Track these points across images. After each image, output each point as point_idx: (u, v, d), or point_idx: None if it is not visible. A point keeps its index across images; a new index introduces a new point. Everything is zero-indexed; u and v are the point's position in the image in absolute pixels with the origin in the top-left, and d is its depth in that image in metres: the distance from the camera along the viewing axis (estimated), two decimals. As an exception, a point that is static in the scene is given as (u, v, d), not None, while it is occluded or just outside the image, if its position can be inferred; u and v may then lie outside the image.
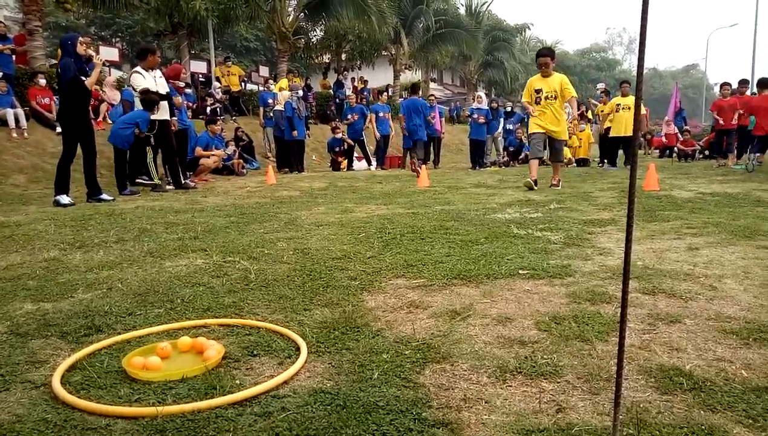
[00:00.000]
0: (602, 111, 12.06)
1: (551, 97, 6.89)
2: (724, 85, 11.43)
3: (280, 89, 13.43)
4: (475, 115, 12.81)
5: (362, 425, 1.32)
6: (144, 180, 7.35)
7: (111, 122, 9.50)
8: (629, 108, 10.82)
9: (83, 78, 6.00)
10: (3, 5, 24.76)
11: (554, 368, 1.64)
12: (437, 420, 1.35)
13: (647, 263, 2.86)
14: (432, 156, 13.56)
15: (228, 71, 15.60)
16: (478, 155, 12.84)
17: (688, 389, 1.49)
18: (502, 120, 13.85)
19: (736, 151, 10.75)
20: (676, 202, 5.26)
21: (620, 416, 1.33)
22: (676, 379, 1.55)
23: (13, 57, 10.79)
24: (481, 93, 14.35)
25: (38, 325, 2.08)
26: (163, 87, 7.51)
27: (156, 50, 7.74)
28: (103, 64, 6.37)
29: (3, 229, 4.38)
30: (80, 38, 6.16)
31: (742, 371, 1.60)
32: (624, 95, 11.15)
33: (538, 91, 6.99)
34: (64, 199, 6.03)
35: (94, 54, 6.31)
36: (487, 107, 13.21)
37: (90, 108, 10.30)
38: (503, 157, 13.69)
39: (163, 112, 7.49)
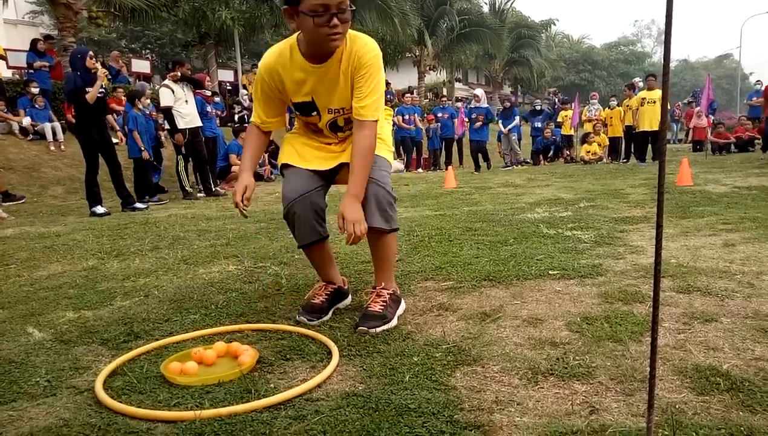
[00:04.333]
0: (628, 106, 11.80)
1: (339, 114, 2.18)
2: None
3: None
4: (474, 116, 11.96)
5: (395, 427, 1.34)
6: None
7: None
8: (654, 102, 10.64)
9: (88, 90, 6.00)
10: (39, 23, 25.68)
11: (587, 369, 1.63)
12: (469, 423, 1.36)
13: (681, 261, 2.81)
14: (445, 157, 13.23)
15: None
16: (478, 157, 12.04)
17: (725, 389, 1.46)
18: (517, 118, 12.91)
19: None
20: (711, 197, 5.13)
21: (655, 418, 1.32)
22: (713, 379, 1.52)
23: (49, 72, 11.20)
24: (479, 91, 13.18)
25: (80, 332, 2.16)
26: (192, 97, 7.70)
27: (185, 62, 7.93)
28: (107, 78, 6.33)
29: (44, 239, 4.54)
30: (89, 53, 6.22)
31: (782, 371, 1.56)
32: (650, 89, 10.89)
33: (305, 109, 2.16)
34: (99, 209, 6.22)
35: (99, 67, 6.26)
36: (486, 106, 12.36)
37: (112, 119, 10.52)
38: (521, 157, 13.01)
39: (194, 120, 7.66)
